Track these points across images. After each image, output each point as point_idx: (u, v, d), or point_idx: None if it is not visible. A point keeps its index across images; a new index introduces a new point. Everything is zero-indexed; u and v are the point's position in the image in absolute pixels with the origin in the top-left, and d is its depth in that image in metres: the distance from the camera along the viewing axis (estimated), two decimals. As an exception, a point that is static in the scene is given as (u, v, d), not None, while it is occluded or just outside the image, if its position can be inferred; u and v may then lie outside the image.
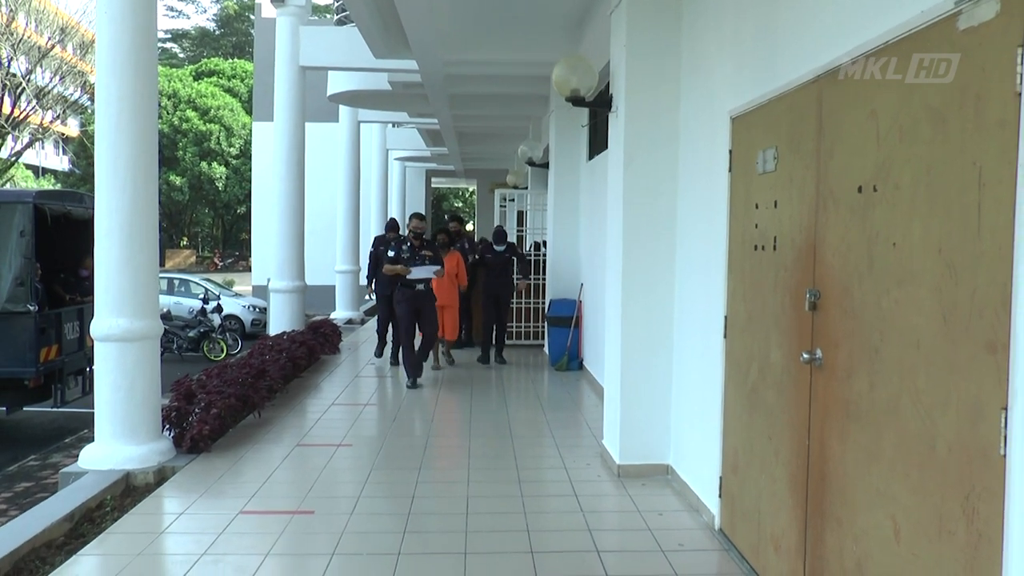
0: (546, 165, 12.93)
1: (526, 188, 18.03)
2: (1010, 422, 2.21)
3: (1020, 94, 2.18)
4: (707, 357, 5.09)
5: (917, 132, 2.69)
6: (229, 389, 7.05)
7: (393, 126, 21.88)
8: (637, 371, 5.95)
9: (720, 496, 4.77)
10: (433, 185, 38.16)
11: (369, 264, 11.38)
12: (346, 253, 17.86)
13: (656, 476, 5.91)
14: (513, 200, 18.99)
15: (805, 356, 3.47)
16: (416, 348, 9.59)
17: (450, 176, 33.95)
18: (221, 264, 45.71)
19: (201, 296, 17.86)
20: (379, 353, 11.57)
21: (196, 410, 6.59)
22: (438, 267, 9.53)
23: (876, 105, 2.95)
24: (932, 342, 2.58)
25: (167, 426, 6.45)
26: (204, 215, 47.00)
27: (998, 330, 2.26)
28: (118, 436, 5.89)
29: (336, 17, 12.66)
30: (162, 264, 43.06)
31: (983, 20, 2.34)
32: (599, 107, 6.46)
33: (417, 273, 9.29)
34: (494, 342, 11.42)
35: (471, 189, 44.72)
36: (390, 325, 11.27)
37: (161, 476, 5.91)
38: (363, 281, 18.87)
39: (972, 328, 2.38)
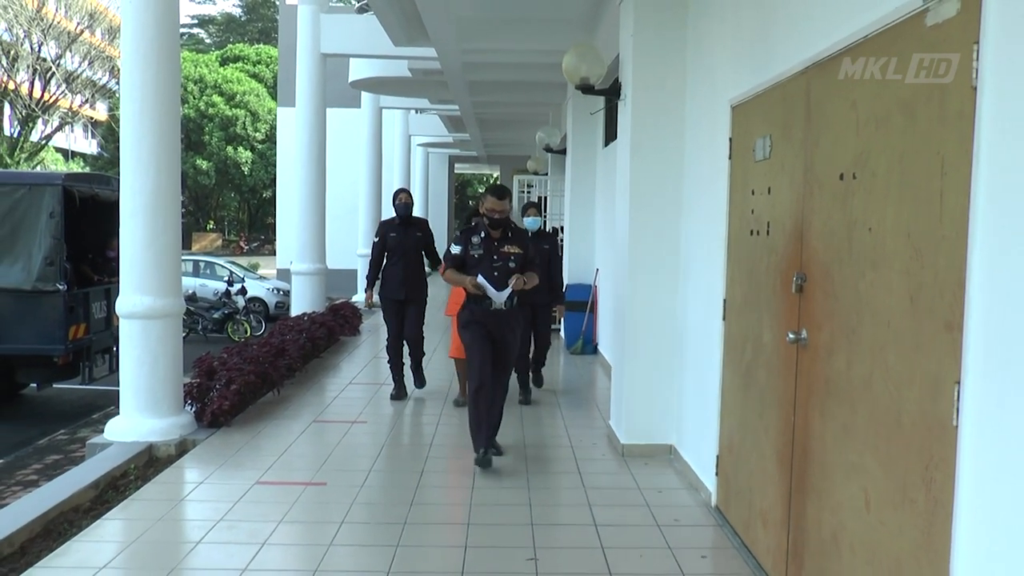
0: (564, 151, 13.06)
1: (546, 174, 18.17)
2: (962, 395, 2.36)
3: (975, 88, 2.31)
4: (707, 339, 5.23)
5: (890, 122, 2.82)
6: (248, 366, 7.29)
7: (416, 112, 22.07)
8: (642, 353, 6.11)
9: (716, 474, 4.93)
10: (457, 171, 38.36)
11: (372, 258, 7.94)
12: (367, 237, 18.12)
13: (660, 456, 6.06)
14: (534, 186, 19.10)
15: (791, 336, 3.61)
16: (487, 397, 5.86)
17: (473, 162, 34.13)
18: (247, 247, 46.22)
19: (226, 278, 18.19)
20: (398, 394, 7.97)
21: (217, 386, 6.84)
22: (514, 271, 5.78)
23: (856, 96, 3.09)
24: (900, 322, 2.72)
25: (189, 401, 6.70)
26: (230, 199, 47.51)
27: (955, 310, 2.40)
28: (142, 410, 6.16)
29: (358, 5, 12.86)
30: (189, 247, 43.69)
31: (946, 17, 2.47)
32: (609, 95, 6.60)
33: (495, 295, 5.70)
34: (532, 367, 8.27)
35: (495, 175, 44.90)
36: (399, 342, 8.01)
37: (182, 448, 6.16)
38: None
39: (934, 308, 2.52)
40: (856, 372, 3.04)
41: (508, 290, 5.69)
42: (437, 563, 4.23)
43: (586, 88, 6.51)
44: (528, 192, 17.67)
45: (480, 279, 5.68)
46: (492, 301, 5.70)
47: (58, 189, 9.38)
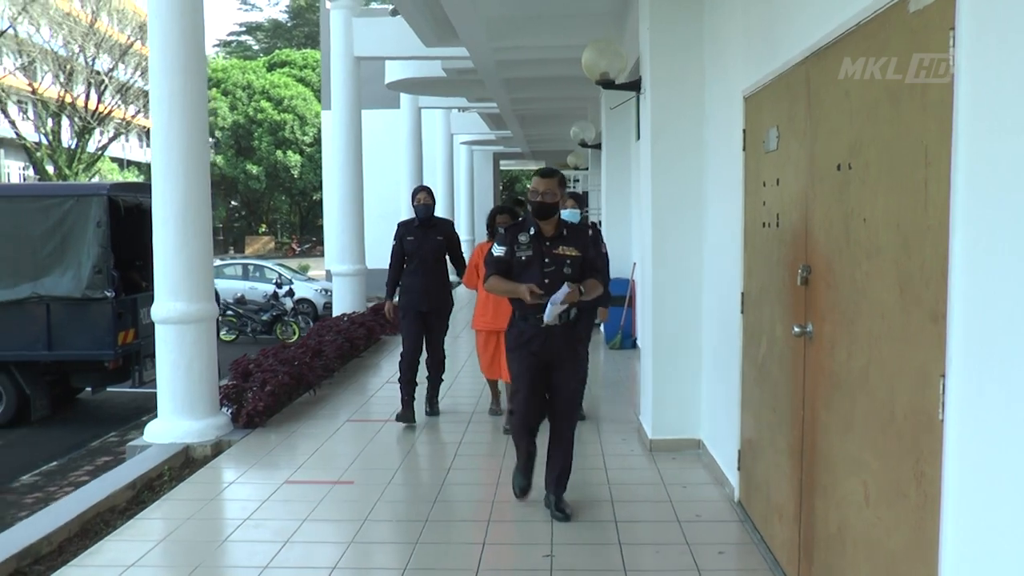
0: (599, 146, 13.03)
1: (587, 169, 18.13)
2: (947, 388, 2.32)
3: (953, 74, 2.26)
4: (729, 332, 5.19)
5: (879, 112, 2.78)
6: (283, 368, 7.45)
7: (460, 111, 22.16)
8: (667, 346, 6.08)
9: (739, 469, 4.89)
10: (503, 168, 38.42)
11: (390, 264, 7.12)
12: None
13: (688, 451, 6.02)
14: (579, 180, 18.95)
15: (796, 329, 3.57)
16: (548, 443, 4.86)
17: (518, 158, 34.13)
18: (299, 249, 47.00)
19: (275, 281, 18.53)
20: (406, 415, 6.92)
21: (252, 388, 7.00)
22: (570, 279, 4.55)
23: (849, 86, 3.04)
24: (892, 313, 2.67)
25: (226, 403, 6.88)
26: (281, 202, 48.37)
27: (939, 301, 2.36)
28: (178, 412, 6.34)
29: (391, 7, 12.96)
30: (242, 251, 44.62)
31: (926, 3, 2.42)
32: (630, 89, 6.57)
33: (550, 309, 4.46)
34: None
35: (541, 170, 44.91)
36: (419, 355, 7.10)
37: (218, 449, 6.33)
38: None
39: (922, 299, 2.47)
40: (855, 365, 3.00)
41: (556, 298, 4.42)
42: (454, 560, 4.28)
43: (606, 83, 6.50)
44: (573, 185, 17.53)
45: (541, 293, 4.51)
46: (542, 317, 4.51)
47: (104, 199, 9.66)
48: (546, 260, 4.61)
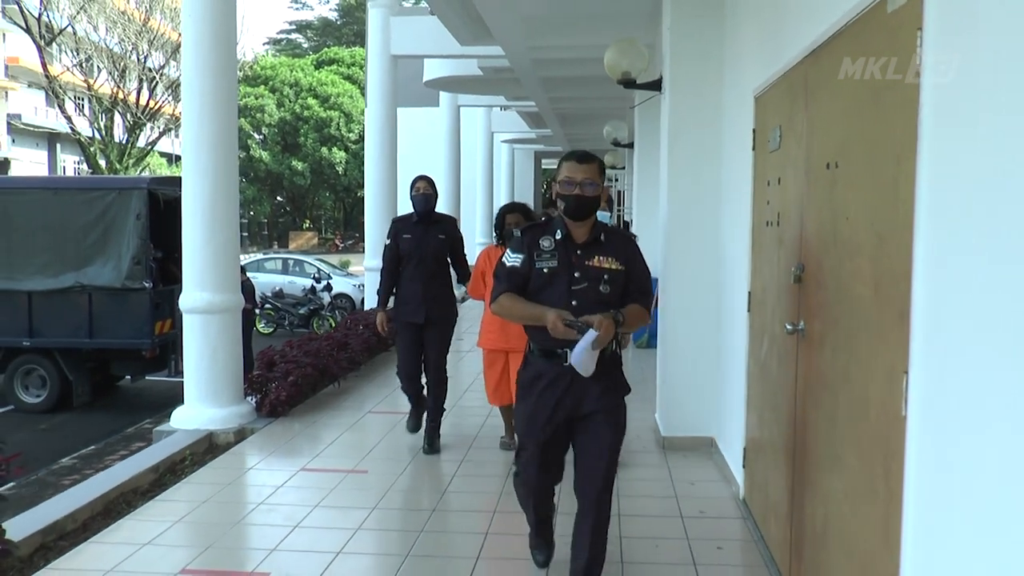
0: (632, 145, 13.03)
1: (623, 168, 18.11)
2: (910, 385, 2.34)
3: (919, 74, 2.29)
4: (737, 331, 5.21)
5: (863, 110, 2.80)
6: (307, 359, 7.62)
7: (502, 109, 22.25)
8: (682, 344, 6.11)
9: (744, 466, 4.91)
10: (544, 167, 38.44)
11: (383, 268, 6.04)
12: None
13: (700, 449, 6.04)
14: (617, 179, 18.90)
15: (789, 327, 3.60)
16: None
17: (559, 157, 34.07)
18: (342, 245, 47.56)
19: (313, 276, 18.83)
20: (415, 425, 6.32)
21: (276, 377, 7.19)
22: (607, 299, 3.39)
23: (839, 85, 3.06)
24: (868, 311, 2.70)
25: (251, 392, 7.07)
26: (326, 198, 49.01)
27: (905, 299, 2.38)
28: (203, 399, 6.54)
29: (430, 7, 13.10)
30: (286, 246, 45.33)
31: (901, 3, 2.44)
32: (651, 88, 6.60)
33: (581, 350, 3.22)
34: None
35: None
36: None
37: (240, 436, 6.51)
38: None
39: (892, 297, 2.50)
40: (839, 362, 3.02)
41: (588, 338, 3.19)
42: (456, 548, 4.39)
43: (628, 83, 6.54)
44: (613, 184, 17.48)
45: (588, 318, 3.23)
46: (568, 351, 3.33)
47: (144, 192, 9.98)
48: (576, 274, 3.39)
